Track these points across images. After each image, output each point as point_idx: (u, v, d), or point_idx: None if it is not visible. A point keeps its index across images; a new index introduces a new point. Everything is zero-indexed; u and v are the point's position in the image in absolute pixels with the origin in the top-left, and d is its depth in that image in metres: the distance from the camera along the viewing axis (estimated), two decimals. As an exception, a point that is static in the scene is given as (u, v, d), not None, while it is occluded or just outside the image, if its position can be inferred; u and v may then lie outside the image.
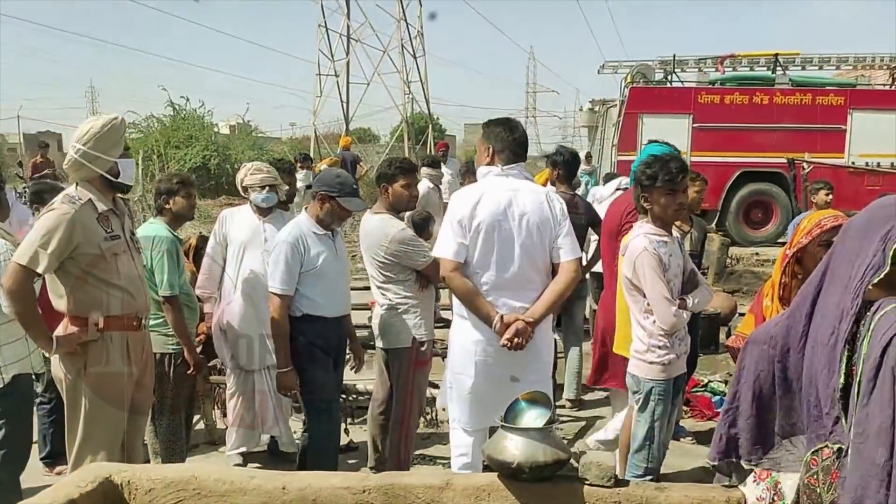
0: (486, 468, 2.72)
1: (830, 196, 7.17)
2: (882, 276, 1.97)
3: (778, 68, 14.84)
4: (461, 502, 2.59)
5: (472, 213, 3.45)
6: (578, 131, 32.90)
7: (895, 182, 12.48)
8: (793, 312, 2.22)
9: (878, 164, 13.66)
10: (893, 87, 15.19)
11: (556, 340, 6.07)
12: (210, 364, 4.88)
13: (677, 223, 4.57)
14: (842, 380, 2.05)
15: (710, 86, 14.51)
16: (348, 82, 29.99)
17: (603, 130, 15.69)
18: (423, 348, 4.24)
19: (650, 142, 4.86)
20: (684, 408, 5.71)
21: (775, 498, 2.51)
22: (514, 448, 2.53)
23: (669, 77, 15.02)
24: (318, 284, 4.04)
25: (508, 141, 3.56)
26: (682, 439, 5.24)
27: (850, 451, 2.00)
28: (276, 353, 4.09)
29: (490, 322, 3.44)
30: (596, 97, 19.53)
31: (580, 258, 3.56)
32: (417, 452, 4.96)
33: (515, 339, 3.41)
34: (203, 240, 5.22)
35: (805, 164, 12.00)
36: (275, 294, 3.96)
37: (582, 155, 13.95)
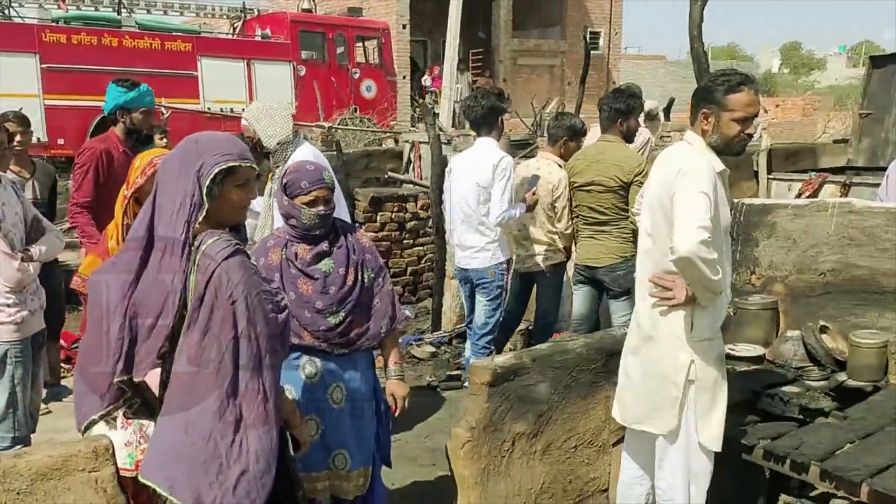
0: None
1: (165, 140, 7.33)
2: (204, 212, 2.11)
3: (124, 10, 14.68)
4: None
5: None
6: None
7: (247, 126, 13.51)
8: (127, 248, 2.21)
9: (231, 110, 14.44)
10: (235, 37, 16.41)
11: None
12: None
13: (15, 168, 4.27)
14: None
15: (54, 24, 13.62)
16: None
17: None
18: None
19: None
20: (65, 366, 5.54)
21: (142, 440, 2.60)
22: None
23: (7, 11, 13.69)
24: None
25: None
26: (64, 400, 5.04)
27: (179, 371, 2.11)
28: None
29: None
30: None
31: None
32: None
33: None
34: None
35: (164, 110, 12.15)
36: None
37: None
